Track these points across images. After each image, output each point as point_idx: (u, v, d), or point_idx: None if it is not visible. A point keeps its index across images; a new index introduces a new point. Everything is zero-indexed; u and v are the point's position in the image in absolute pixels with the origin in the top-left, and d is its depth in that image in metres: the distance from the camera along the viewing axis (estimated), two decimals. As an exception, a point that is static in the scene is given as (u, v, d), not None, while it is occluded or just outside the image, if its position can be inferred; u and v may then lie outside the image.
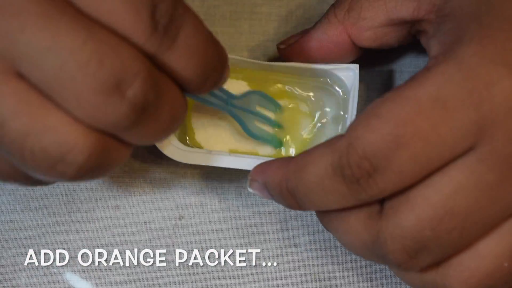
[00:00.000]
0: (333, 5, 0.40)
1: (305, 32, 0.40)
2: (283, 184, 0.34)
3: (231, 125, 0.40)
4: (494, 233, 0.31)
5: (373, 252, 0.33)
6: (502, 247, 0.31)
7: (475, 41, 0.30)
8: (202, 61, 0.29)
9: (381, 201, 0.32)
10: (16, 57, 0.25)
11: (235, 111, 0.39)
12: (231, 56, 0.40)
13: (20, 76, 0.26)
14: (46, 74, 0.25)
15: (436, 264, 0.32)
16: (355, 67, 0.39)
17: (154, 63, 0.27)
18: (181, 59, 0.28)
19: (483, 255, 0.31)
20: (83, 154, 0.26)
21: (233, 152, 0.40)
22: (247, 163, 0.38)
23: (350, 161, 0.31)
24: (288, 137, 0.41)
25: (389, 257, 0.31)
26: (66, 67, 0.25)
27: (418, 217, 0.30)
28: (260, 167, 0.36)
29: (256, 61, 0.40)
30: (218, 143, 0.40)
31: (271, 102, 0.40)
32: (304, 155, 0.33)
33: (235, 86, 0.40)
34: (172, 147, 0.38)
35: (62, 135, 0.26)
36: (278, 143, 0.40)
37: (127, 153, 0.29)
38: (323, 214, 0.35)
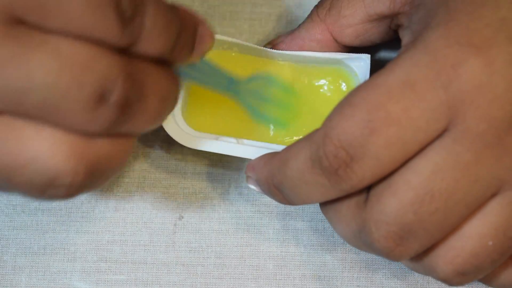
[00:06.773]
0: (316, 5, 0.40)
1: (291, 32, 0.41)
2: (269, 180, 0.35)
3: (231, 109, 0.40)
4: (478, 213, 0.31)
5: (362, 241, 0.33)
6: (486, 226, 0.31)
7: (441, 25, 0.31)
8: (170, 33, 0.28)
9: (369, 190, 0.32)
10: None
11: (242, 96, 0.39)
12: (240, 41, 0.40)
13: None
14: (30, 107, 0.25)
15: (425, 252, 0.32)
16: (367, 57, 0.39)
17: (128, 52, 0.27)
18: (152, 41, 0.28)
19: (468, 235, 0.31)
20: (69, 175, 0.27)
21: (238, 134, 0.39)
22: (252, 153, 0.38)
23: (326, 152, 0.31)
24: (299, 119, 0.40)
25: (375, 245, 0.32)
26: (48, 99, 0.25)
27: (400, 202, 0.30)
28: (251, 163, 0.37)
29: (269, 49, 0.40)
30: (220, 127, 0.40)
31: (279, 85, 0.40)
32: (286, 150, 0.34)
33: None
34: (180, 132, 0.38)
35: (44, 163, 0.26)
36: (282, 125, 0.40)
37: (129, 144, 0.29)
38: (321, 204, 0.35)
